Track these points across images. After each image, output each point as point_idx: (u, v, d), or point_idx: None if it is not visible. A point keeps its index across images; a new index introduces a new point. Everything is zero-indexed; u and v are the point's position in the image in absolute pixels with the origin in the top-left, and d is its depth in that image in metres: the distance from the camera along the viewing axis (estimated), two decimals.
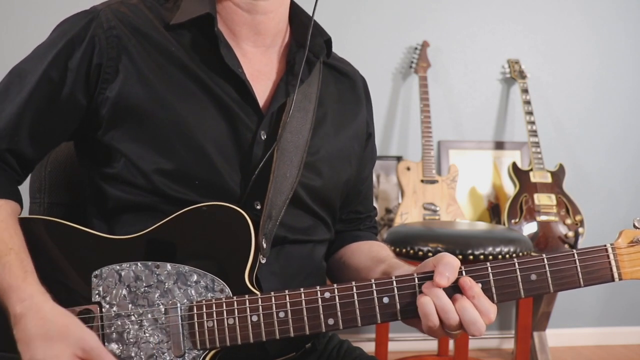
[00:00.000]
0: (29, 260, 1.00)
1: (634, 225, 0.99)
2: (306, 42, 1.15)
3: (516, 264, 0.98)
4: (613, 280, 0.98)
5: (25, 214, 1.12)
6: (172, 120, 1.08)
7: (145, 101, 1.07)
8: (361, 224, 1.33)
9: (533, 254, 2.34)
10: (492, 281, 0.98)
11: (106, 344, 1.00)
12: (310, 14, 1.18)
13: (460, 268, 0.98)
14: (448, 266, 0.96)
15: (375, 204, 1.55)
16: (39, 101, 1.08)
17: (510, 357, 3.23)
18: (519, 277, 0.98)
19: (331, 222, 1.23)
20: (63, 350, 0.92)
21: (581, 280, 0.98)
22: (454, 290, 0.97)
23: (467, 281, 0.96)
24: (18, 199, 1.11)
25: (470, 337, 2.52)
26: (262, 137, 1.11)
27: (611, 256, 0.98)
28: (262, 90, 1.15)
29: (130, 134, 1.08)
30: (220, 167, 1.08)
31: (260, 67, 1.16)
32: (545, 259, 0.98)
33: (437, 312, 0.95)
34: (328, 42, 1.20)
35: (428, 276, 0.98)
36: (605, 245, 0.98)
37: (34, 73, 1.09)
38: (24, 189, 1.32)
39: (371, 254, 1.22)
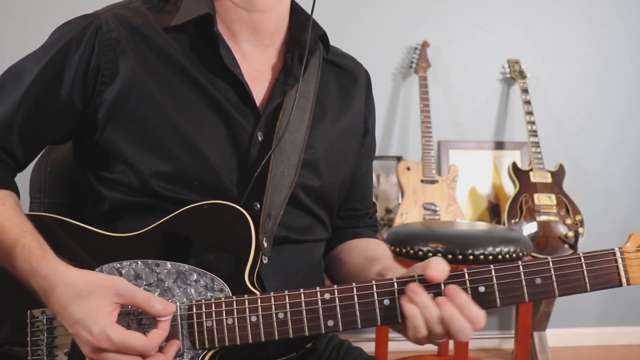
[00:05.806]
0: (44, 240, 1.00)
1: None
2: (305, 41, 1.14)
3: (520, 267, 0.95)
4: (621, 285, 0.94)
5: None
6: (169, 122, 1.07)
7: (142, 104, 1.07)
8: (360, 221, 1.32)
9: (533, 254, 2.34)
10: (495, 285, 0.95)
11: None
12: (309, 12, 1.18)
13: (463, 270, 0.96)
14: (439, 262, 0.95)
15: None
16: (33, 101, 1.08)
17: (510, 357, 3.23)
18: (524, 280, 0.95)
19: (329, 221, 1.22)
20: (99, 302, 0.93)
21: (588, 285, 0.94)
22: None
23: (454, 289, 0.94)
24: (18, 193, 1.11)
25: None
26: (259, 138, 1.11)
27: (619, 260, 0.94)
28: (260, 90, 1.14)
29: (127, 136, 1.07)
30: (218, 168, 1.08)
31: (258, 67, 1.16)
32: (550, 262, 0.95)
33: (426, 323, 0.93)
34: (323, 37, 1.19)
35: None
36: (613, 249, 0.95)
37: (30, 73, 1.08)
38: (24, 189, 1.32)
39: (367, 252, 1.21)
